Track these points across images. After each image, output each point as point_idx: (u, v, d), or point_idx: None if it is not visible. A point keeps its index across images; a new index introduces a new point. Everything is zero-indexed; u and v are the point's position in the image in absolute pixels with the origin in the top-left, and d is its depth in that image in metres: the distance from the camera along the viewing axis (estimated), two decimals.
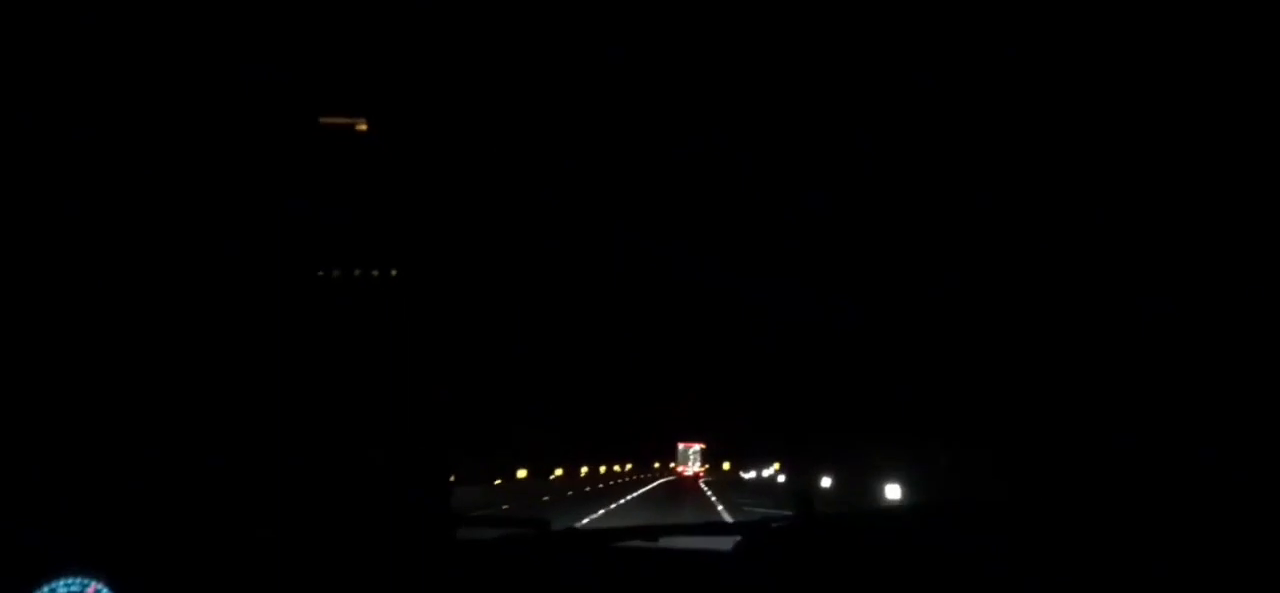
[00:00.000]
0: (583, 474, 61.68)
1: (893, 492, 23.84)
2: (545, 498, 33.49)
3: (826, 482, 36.40)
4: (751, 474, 63.80)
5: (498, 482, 36.09)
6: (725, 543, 2.44)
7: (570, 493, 40.63)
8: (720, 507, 27.38)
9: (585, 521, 21.75)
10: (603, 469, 69.00)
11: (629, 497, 38.37)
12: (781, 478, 56.23)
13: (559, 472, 54.29)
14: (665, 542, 2.38)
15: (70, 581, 2.19)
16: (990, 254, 13.78)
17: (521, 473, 43.66)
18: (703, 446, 75.74)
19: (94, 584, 2.10)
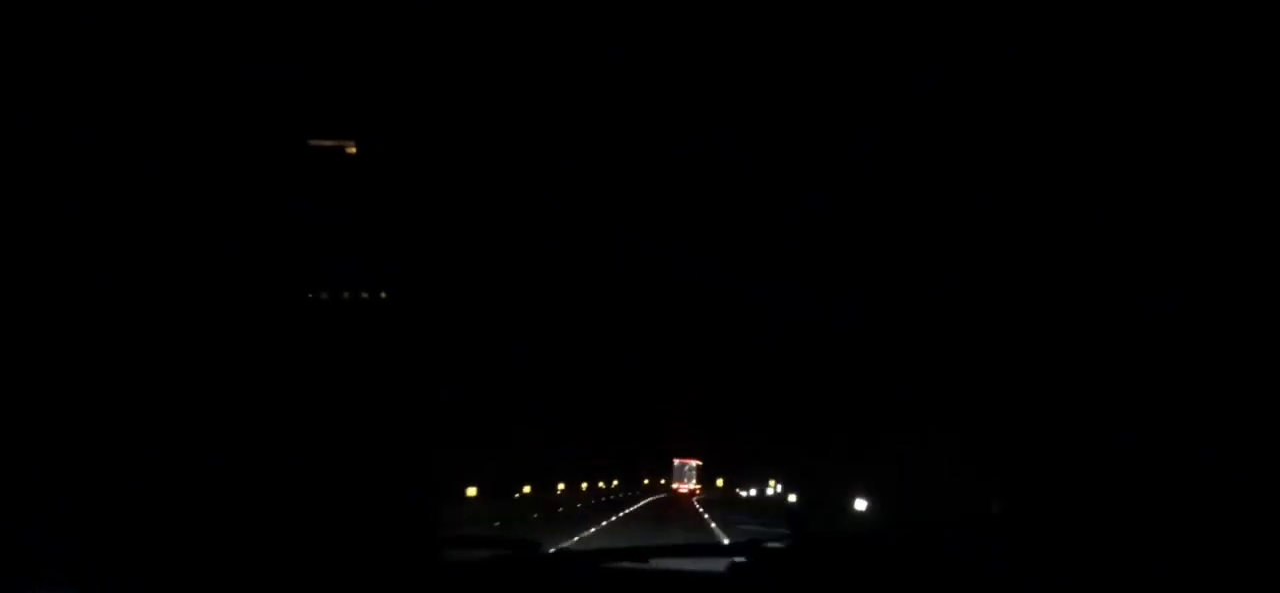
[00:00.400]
0: (559, 492, 56.63)
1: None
2: (496, 524, 31.09)
3: (861, 505, 29.68)
4: (751, 492, 62.26)
5: None
6: (717, 564, 2.43)
7: (536, 515, 38.17)
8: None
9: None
10: (583, 487, 63.34)
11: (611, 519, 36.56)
12: (792, 497, 53.07)
13: (526, 489, 49.20)
14: (656, 563, 2.36)
15: None
16: (990, 254, 13.77)
17: (471, 491, 38.29)
18: (699, 463, 74.47)
19: None
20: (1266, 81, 8.52)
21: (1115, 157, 10.56)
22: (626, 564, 2.29)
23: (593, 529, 31.96)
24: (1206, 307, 9.30)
